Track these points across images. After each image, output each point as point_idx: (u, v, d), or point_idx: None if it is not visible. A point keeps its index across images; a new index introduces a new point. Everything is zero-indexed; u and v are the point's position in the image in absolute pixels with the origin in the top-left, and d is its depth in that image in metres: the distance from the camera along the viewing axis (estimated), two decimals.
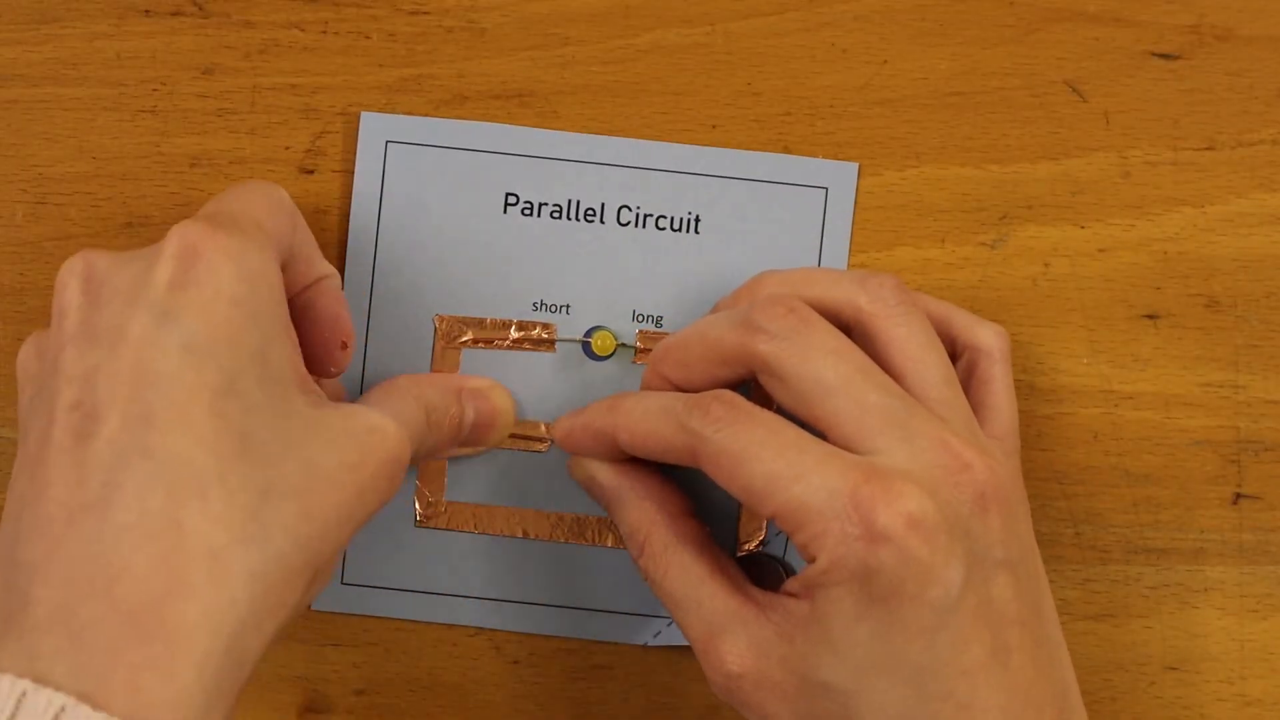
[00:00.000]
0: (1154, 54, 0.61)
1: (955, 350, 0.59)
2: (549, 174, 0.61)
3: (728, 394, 0.55)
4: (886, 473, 0.52)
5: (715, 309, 0.60)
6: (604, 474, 0.58)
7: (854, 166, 0.61)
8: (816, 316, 0.55)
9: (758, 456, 0.53)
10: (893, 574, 0.51)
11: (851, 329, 0.56)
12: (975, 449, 0.53)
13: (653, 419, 0.56)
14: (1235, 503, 0.62)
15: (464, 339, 0.61)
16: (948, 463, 0.53)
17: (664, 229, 0.61)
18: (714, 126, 0.61)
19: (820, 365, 0.54)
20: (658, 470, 0.58)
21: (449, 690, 0.62)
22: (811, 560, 0.53)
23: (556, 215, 0.61)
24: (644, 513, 0.57)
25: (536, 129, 0.61)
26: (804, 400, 0.54)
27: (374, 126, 0.61)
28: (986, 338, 0.58)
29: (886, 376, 0.55)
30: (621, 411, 0.57)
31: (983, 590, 0.52)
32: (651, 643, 0.62)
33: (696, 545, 0.57)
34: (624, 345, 0.61)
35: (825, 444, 0.53)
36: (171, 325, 0.50)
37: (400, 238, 0.61)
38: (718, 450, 0.54)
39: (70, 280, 0.52)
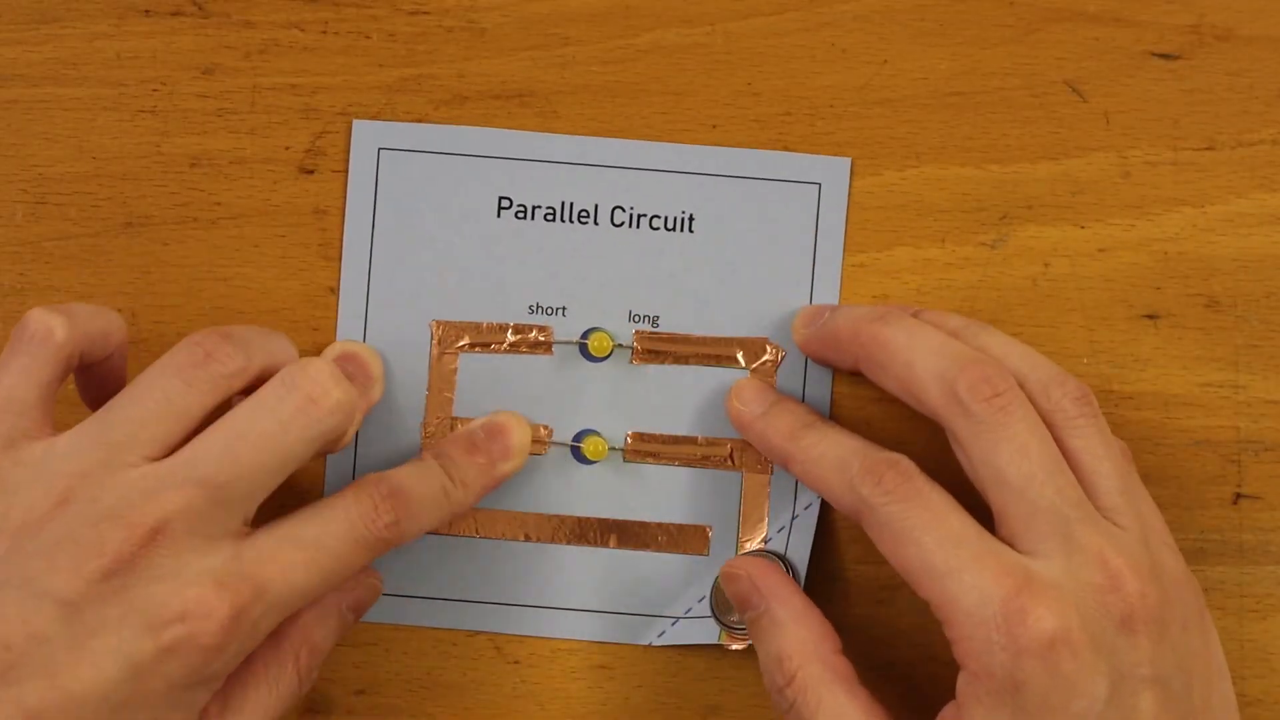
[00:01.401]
0: (1154, 54, 0.61)
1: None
2: (542, 177, 0.61)
3: (904, 464, 0.56)
4: (1038, 583, 0.53)
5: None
6: (765, 584, 0.59)
7: (846, 161, 0.61)
8: (1019, 403, 0.56)
9: (918, 541, 0.54)
10: (1039, 688, 0.53)
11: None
12: (1133, 568, 0.54)
13: (827, 468, 0.57)
14: (1235, 503, 0.62)
15: (461, 344, 0.61)
16: (1101, 581, 0.54)
17: (658, 229, 0.61)
18: (714, 126, 0.61)
19: (1005, 459, 0.55)
20: (812, 603, 0.59)
21: (449, 690, 0.62)
22: (960, 667, 0.54)
23: (550, 218, 0.61)
24: (799, 642, 0.58)
25: (528, 132, 0.61)
26: (980, 483, 0.56)
27: (366, 133, 0.61)
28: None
29: (1070, 478, 0.56)
30: (801, 446, 0.58)
31: (1128, 703, 0.53)
32: (656, 643, 0.62)
33: (848, 684, 0.57)
34: (621, 346, 0.61)
35: (985, 538, 0.55)
36: None
37: (395, 244, 0.61)
38: (880, 523, 0.55)
39: None
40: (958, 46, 0.61)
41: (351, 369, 0.60)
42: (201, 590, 0.52)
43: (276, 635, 0.58)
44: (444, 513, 0.58)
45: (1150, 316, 0.62)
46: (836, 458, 0.57)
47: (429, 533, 0.61)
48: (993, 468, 0.55)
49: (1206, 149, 0.61)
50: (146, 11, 0.61)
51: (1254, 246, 0.61)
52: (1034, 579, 0.53)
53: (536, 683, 0.62)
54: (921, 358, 0.57)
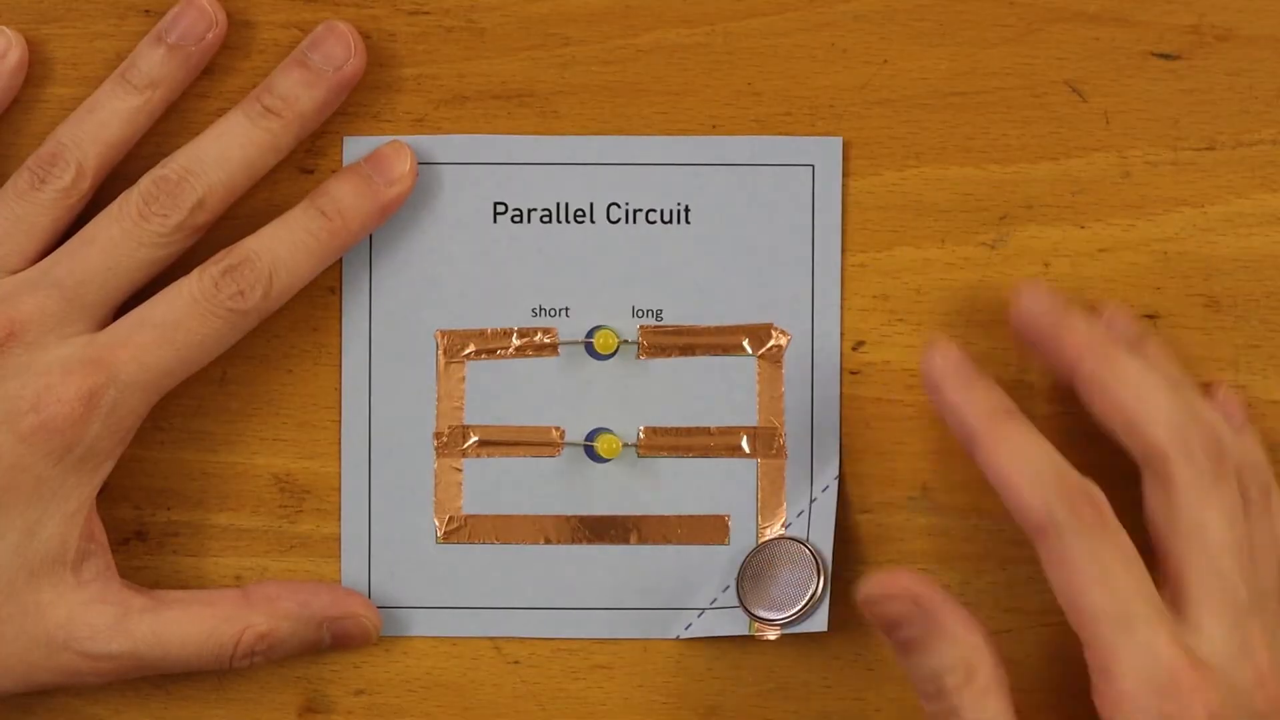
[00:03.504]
0: (1154, 54, 0.61)
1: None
2: (535, 179, 0.61)
3: (1098, 495, 0.55)
4: (1204, 666, 0.54)
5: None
6: (927, 600, 0.56)
7: (838, 141, 0.61)
8: (1233, 475, 0.56)
9: (1095, 583, 0.54)
10: None
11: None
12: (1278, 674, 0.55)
13: (1020, 469, 0.55)
14: None
15: (466, 352, 0.62)
16: (1251, 675, 0.55)
17: (654, 222, 0.62)
18: (714, 126, 0.61)
19: (1214, 520, 0.56)
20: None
21: (449, 690, 0.62)
22: (1099, 717, 0.54)
23: (546, 219, 0.62)
24: (975, 648, 0.56)
25: (518, 136, 0.61)
26: (1174, 530, 0.56)
27: (357, 151, 0.61)
28: None
29: (1266, 567, 0.57)
30: (998, 434, 0.56)
31: None
32: (683, 635, 0.62)
33: (1007, 696, 0.56)
34: (626, 342, 0.61)
35: (1157, 605, 0.54)
36: None
37: (394, 258, 0.61)
38: (1060, 552, 0.54)
39: None
40: (958, 46, 0.61)
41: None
42: (49, 379, 0.56)
43: (244, 601, 0.59)
44: (322, 254, 0.59)
45: (1150, 316, 0.62)
46: (1034, 464, 0.55)
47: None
48: (1197, 524, 0.55)
49: (1206, 149, 0.61)
50: (146, 11, 0.61)
51: (1254, 246, 0.62)
52: (1199, 660, 0.54)
53: (536, 683, 0.62)
54: (1152, 394, 0.56)
